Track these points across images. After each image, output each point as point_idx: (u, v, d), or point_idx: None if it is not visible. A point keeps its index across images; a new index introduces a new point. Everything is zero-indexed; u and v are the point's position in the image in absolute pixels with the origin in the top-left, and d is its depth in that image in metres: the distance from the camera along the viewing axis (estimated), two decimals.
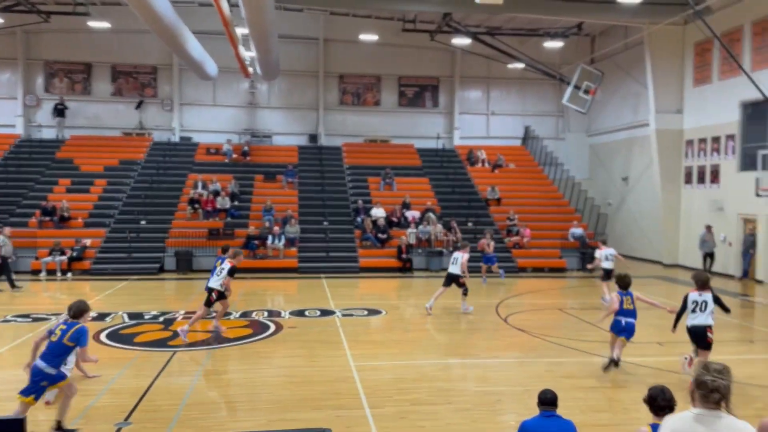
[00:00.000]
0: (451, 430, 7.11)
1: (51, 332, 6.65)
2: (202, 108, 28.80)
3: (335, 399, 8.06)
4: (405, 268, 21.09)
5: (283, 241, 21.19)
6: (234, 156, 26.78)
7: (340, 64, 29.34)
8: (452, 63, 30.01)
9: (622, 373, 9.34)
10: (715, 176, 21.61)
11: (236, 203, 23.68)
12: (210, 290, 11.27)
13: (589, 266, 18.53)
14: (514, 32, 26.87)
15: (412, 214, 23.54)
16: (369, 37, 26.82)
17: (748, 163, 19.83)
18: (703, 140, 22.25)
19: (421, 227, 22.48)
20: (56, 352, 6.52)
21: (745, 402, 8.19)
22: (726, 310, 9.25)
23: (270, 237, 21.12)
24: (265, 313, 13.78)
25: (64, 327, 6.63)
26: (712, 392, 3.22)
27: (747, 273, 19.90)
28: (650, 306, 9.98)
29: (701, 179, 22.38)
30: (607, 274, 15.15)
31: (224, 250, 13.25)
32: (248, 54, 23.38)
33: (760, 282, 19.45)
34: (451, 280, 13.95)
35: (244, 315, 13.56)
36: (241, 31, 20.30)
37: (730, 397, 3.35)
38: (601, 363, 9.52)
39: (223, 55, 24.57)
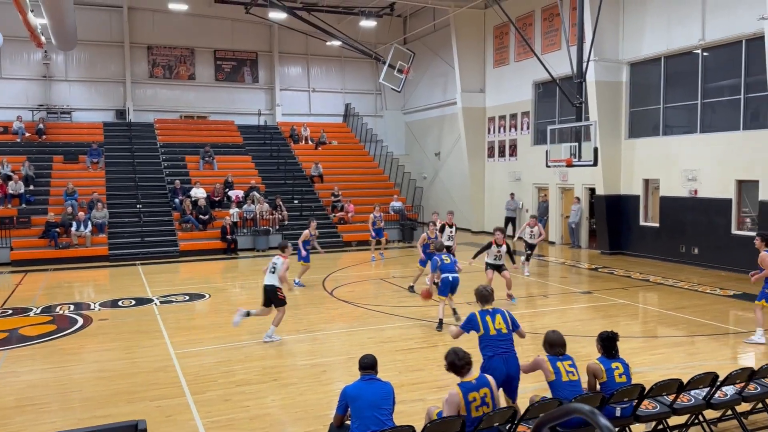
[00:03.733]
0: (276, 405, 7.17)
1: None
2: None
3: (153, 390, 7.68)
4: (230, 249, 20.56)
5: (89, 227, 19.47)
6: (27, 135, 23.89)
7: (148, 34, 27.38)
8: (270, 38, 29.49)
9: (437, 334, 10.08)
10: (513, 150, 23.92)
11: (32, 188, 21.23)
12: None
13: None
14: (330, 9, 27.06)
15: (236, 193, 22.95)
16: (178, 6, 25.31)
17: (539, 137, 22.20)
18: (502, 117, 24.44)
19: (245, 206, 22.02)
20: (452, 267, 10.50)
21: (541, 349, 9.28)
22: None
23: (74, 223, 19.29)
24: (72, 307, 12.64)
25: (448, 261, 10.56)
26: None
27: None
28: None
29: (502, 153, 24.62)
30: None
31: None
32: (39, 21, 20.80)
33: (552, 243, 22.03)
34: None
35: (47, 310, 12.33)
36: None
37: None
38: (418, 325, 10.16)
39: (9, 22, 21.61)
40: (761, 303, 9.50)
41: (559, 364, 5.58)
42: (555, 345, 5.69)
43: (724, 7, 15.71)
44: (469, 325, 6.14)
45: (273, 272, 9.84)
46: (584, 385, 5.74)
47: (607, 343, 5.75)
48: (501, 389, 5.89)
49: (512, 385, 6.00)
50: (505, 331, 6.02)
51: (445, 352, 5.28)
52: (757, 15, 14.01)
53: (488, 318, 6.01)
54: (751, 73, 15.24)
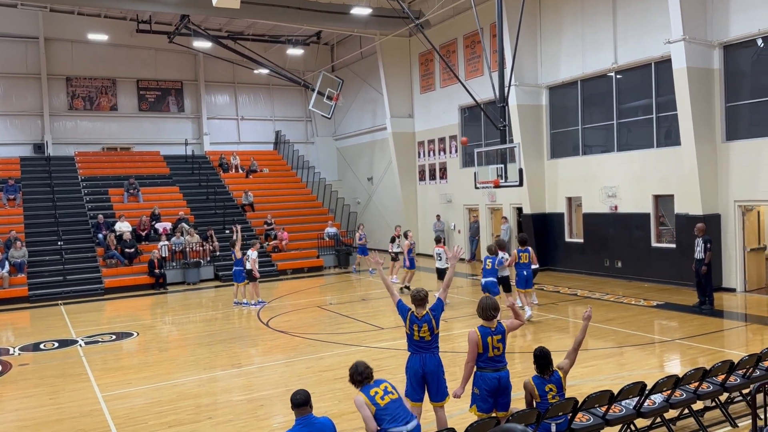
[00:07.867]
0: None
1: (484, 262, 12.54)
2: None
3: None
4: (158, 283, 19.84)
5: (7, 267, 18.36)
6: None
7: (66, 65, 26.41)
8: (195, 66, 29.04)
9: (375, 359, 10.03)
10: (444, 173, 24.39)
11: None
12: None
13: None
14: (256, 38, 27.02)
15: (163, 225, 22.25)
16: (99, 36, 24.64)
17: (468, 160, 22.75)
18: (431, 141, 24.92)
19: (174, 239, 21.36)
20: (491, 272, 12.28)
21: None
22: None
23: None
24: None
25: (490, 260, 12.29)
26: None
27: (474, 256, 22.82)
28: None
29: (432, 176, 25.06)
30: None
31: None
32: None
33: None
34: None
35: None
36: None
37: None
38: (357, 352, 10.09)
39: None
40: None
41: (489, 339, 5.93)
42: (486, 309, 6.05)
43: (634, 33, 16.70)
44: (401, 313, 6.41)
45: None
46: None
47: (541, 361, 5.89)
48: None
49: (434, 381, 6.22)
50: (428, 339, 6.27)
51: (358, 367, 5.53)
52: (664, 39, 14.96)
53: (416, 327, 6.25)
54: (661, 94, 16.22)
